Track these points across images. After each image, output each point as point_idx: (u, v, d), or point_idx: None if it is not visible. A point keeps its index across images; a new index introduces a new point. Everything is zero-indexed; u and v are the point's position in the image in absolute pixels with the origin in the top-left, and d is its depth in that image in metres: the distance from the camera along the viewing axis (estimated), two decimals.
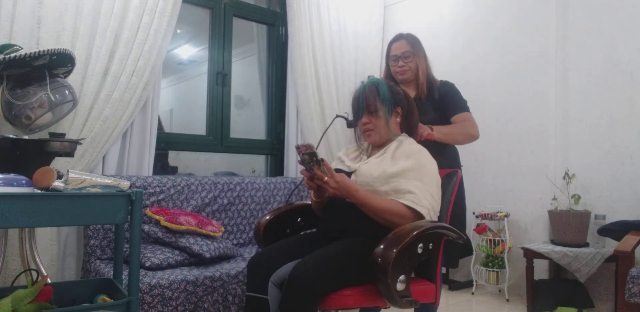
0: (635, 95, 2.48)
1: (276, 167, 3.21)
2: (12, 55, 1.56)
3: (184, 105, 4.51)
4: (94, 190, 1.30)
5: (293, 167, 3.05)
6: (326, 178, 1.38)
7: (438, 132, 1.79)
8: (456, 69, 3.23)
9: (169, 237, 1.98)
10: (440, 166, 1.55)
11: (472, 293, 2.89)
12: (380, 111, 1.54)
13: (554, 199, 2.62)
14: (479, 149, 3.05)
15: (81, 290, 1.47)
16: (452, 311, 2.55)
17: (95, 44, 2.13)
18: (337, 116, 1.90)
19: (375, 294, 1.30)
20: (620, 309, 1.90)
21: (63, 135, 1.64)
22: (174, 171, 3.24)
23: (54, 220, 1.23)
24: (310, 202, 1.70)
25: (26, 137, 1.55)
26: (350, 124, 1.83)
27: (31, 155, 1.52)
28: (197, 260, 1.99)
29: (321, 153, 3.03)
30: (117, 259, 1.55)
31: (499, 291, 2.89)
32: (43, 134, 1.80)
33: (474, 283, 2.91)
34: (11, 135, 1.52)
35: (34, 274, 1.50)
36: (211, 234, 2.06)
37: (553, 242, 2.55)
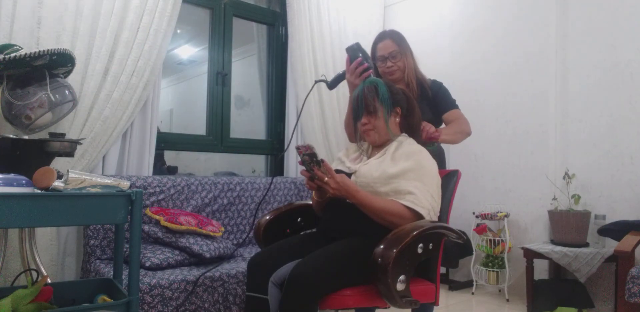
0: (635, 95, 2.48)
1: (276, 167, 3.21)
2: (12, 55, 1.56)
3: (184, 105, 4.52)
4: (94, 190, 1.30)
5: (293, 167, 3.05)
6: (326, 179, 1.38)
7: (445, 135, 1.78)
8: (456, 69, 3.23)
9: (169, 237, 1.98)
10: None
11: (472, 293, 2.89)
12: (379, 111, 1.54)
13: (554, 199, 2.62)
14: (479, 149, 3.05)
15: (81, 290, 1.47)
16: (452, 311, 2.55)
17: (95, 44, 2.13)
18: (316, 81, 1.84)
19: (375, 294, 1.30)
20: (620, 309, 1.90)
21: (63, 135, 1.64)
22: (174, 171, 3.24)
23: (54, 220, 1.23)
24: (310, 202, 1.70)
25: (26, 137, 1.55)
26: (330, 85, 1.80)
27: (31, 155, 1.52)
28: (197, 260, 1.99)
29: (321, 154, 3.04)
30: (117, 259, 1.55)
31: (499, 291, 2.89)
32: (43, 134, 1.80)
33: (474, 283, 2.91)
34: (11, 135, 1.52)
35: (34, 274, 1.50)
36: (211, 234, 2.06)
37: (553, 242, 2.55)
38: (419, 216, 1.40)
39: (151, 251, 1.92)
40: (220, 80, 2.89)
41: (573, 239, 2.44)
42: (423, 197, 1.41)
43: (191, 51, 4.11)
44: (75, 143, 1.65)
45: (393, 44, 1.92)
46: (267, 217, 1.70)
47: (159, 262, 1.86)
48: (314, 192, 1.58)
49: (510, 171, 2.96)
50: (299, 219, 1.78)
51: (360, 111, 1.56)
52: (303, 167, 1.44)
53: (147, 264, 1.84)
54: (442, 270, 3.11)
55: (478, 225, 2.86)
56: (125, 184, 1.37)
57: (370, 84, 1.56)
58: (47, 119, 1.74)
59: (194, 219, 2.06)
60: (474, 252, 2.92)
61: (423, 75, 1.99)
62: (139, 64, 2.25)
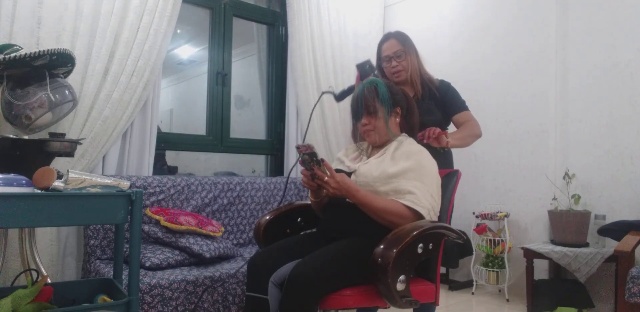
0: (635, 95, 2.48)
1: (276, 167, 3.21)
2: (12, 55, 1.56)
3: (184, 105, 4.52)
4: (94, 190, 1.30)
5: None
6: (326, 178, 1.38)
7: (454, 140, 1.76)
8: (456, 69, 3.23)
9: (169, 237, 1.98)
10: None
11: (472, 293, 2.89)
12: (380, 112, 1.54)
13: (554, 199, 2.62)
14: (479, 149, 3.05)
15: (81, 290, 1.47)
16: (452, 311, 2.55)
17: (95, 44, 2.13)
18: (323, 93, 1.87)
19: (375, 294, 1.30)
20: (620, 309, 1.90)
21: (63, 135, 1.64)
22: (174, 171, 3.24)
23: (54, 220, 1.23)
24: (310, 202, 1.70)
25: (26, 137, 1.55)
26: (337, 98, 1.82)
27: (31, 155, 1.52)
28: (197, 260, 1.99)
29: (321, 154, 3.04)
30: (117, 259, 1.55)
31: (499, 291, 2.89)
32: (43, 134, 1.80)
33: (474, 283, 2.91)
34: (11, 135, 1.53)
35: (34, 274, 1.50)
36: (211, 234, 2.06)
37: (553, 242, 2.55)
38: (419, 216, 1.40)
39: (151, 251, 1.92)
40: (220, 80, 2.89)
41: (573, 239, 2.44)
42: (423, 197, 1.41)
43: (191, 51, 4.12)
44: (75, 143, 1.65)
45: (397, 44, 1.93)
46: (267, 217, 1.70)
47: (159, 262, 1.86)
48: (310, 192, 1.58)
49: (510, 171, 2.96)
50: (299, 219, 1.78)
51: (360, 112, 1.56)
52: (303, 167, 1.44)
53: (147, 264, 1.84)
54: (442, 270, 3.11)
55: (478, 225, 2.86)
56: (125, 184, 1.37)
57: (370, 85, 1.56)
58: (47, 119, 1.74)
59: (194, 219, 2.06)
60: (474, 252, 2.92)
61: (430, 76, 1.98)
62: (139, 64, 2.25)
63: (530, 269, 2.50)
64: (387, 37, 1.97)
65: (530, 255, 2.49)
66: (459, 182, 1.63)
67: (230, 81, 2.94)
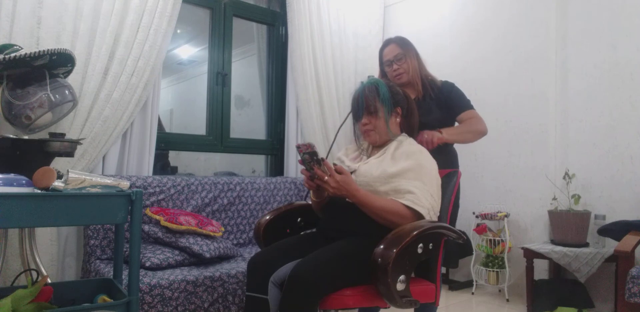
0: (635, 95, 2.48)
1: (276, 167, 3.21)
2: (12, 55, 1.56)
3: (184, 105, 4.52)
4: (94, 190, 1.30)
5: (293, 167, 3.05)
6: (326, 178, 1.38)
7: (448, 134, 1.78)
8: (456, 69, 3.22)
9: (169, 237, 1.98)
10: (438, 166, 1.55)
11: (472, 293, 2.89)
12: (380, 112, 1.54)
13: (554, 199, 2.62)
14: (479, 149, 3.05)
15: (81, 290, 1.47)
16: (452, 311, 2.55)
17: (95, 44, 2.13)
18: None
19: (375, 294, 1.30)
20: (620, 309, 1.90)
21: (63, 135, 1.64)
22: (174, 171, 3.24)
23: (54, 220, 1.23)
24: (310, 202, 1.70)
25: (26, 137, 1.55)
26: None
27: (31, 155, 1.52)
28: (197, 260, 1.99)
29: (321, 153, 3.03)
30: (117, 259, 1.55)
31: (499, 291, 2.89)
32: (43, 134, 1.80)
33: (474, 283, 2.91)
34: (11, 136, 1.53)
35: (34, 274, 1.50)
36: (211, 234, 2.06)
37: (553, 242, 2.55)
38: (418, 216, 1.40)
39: (151, 251, 1.92)
40: (220, 80, 2.89)
41: (573, 239, 2.44)
42: (423, 197, 1.41)
43: (191, 51, 4.12)
44: (75, 143, 1.65)
45: (397, 48, 1.98)
46: (267, 217, 1.70)
47: (159, 262, 1.86)
48: (311, 192, 1.58)
49: (510, 171, 2.96)
50: (299, 219, 1.78)
51: (360, 111, 1.56)
52: (303, 167, 1.44)
53: (147, 264, 1.84)
54: (442, 270, 3.11)
55: (478, 225, 2.86)
56: (125, 184, 1.37)
57: (371, 84, 1.56)
58: (47, 119, 1.74)
59: (194, 219, 2.06)
60: (474, 252, 2.92)
61: (433, 77, 2.01)
62: (139, 64, 2.25)
63: (530, 269, 2.50)
64: (387, 43, 2.02)
65: (530, 255, 2.49)
66: (459, 182, 1.63)
67: (230, 81, 2.94)
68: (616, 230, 2.26)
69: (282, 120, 3.18)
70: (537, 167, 2.82)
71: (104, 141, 2.18)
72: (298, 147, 1.37)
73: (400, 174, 1.44)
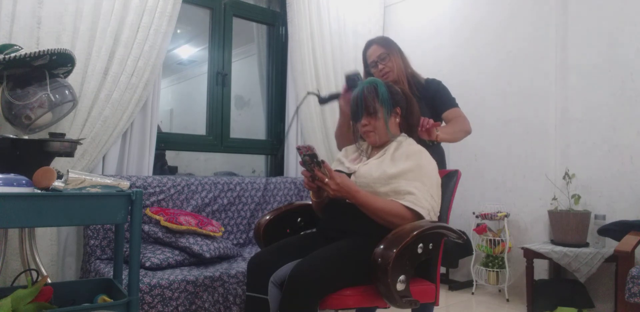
0: (635, 95, 2.48)
1: (276, 167, 3.21)
2: (12, 55, 1.56)
3: (184, 105, 4.52)
4: (94, 190, 1.30)
5: (293, 167, 3.05)
6: (326, 179, 1.38)
7: (444, 134, 1.77)
8: (456, 69, 3.22)
9: (169, 237, 1.98)
10: None
11: (472, 293, 2.89)
12: (380, 112, 1.54)
13: (554, 199, 2.62)
14: (479, 148, 3.05)
15: (81, 290, 1.47)
16: (452, 311, 2.55)
17: (95, 44, 2.13)
18: (309, 93, 1.90)
19: (375, 294, 1.30)
20: (620, 309, 1.90)
21: (63, 135, 1.64)
22: (174, 171, 3.24)
23: (54, 220, 1.23)
24: (310, 202, 1.70)
25: (26, 137, 1.55)
26: (321, 101, 1.81)
27: (31, 155, 1.52)
28: (197, 260, 1.99)
29: (321, 154, 3.04)
30: (117, 259, 1.55)
31: (499, 291, 2.89)
32: (43, 134, 1.80)
33: (474, 283, 2.91)
34: (11, 135, 1.53)
35: (34, 274, 1.50)
36: (211, 234, 2.06)
37: (553, 242, 2.55)
38: (419, 216, 1.40)
39: (151, 251, 1.92)
40: (220, 80, 2.89)
41: (573, 239, 2.44)
42: (423, 198, 1.41)
43: (191, 51, 4.12)
44: (75, 143, 1.65)
45: (379, 48, 1.97)
46: (267, 217, 1.70)
47: (159, 262, 1.86)
48: (312, 192, 1.58)
49: (510, 170, 2.96)
50: (299, 219, 1.78)
51: (360, 112, 1.56)
52: (304, 168, 1.44)
53: (147, 264, 1.84)
54: (442, 270, 3.11)
55: (478, 225, 2.86)
56: (125, 184, 1.37)
57: (369, 85, 1.56)
58: (47, 119, 1.74)
59: (194, 219, 2.06)
60: (474, 252, 2.92)
61: (417, 75, 2.01)
62: (139, 64, 2.25)
63: (530, 269, 2.50)
64: (369, 44, 2.02)
65: (530, 255, 2.49)
66: (459, 182, 1.63)
67: (230, 81, 2.94)
68: (616, 230, 2.26)
69: (282, 120, 3.18)
70: (537, 167, 2.82)
71: (104, 141, 2.18)
72: (298, 148, 1.37)
73: (400, 175, 1.44)
